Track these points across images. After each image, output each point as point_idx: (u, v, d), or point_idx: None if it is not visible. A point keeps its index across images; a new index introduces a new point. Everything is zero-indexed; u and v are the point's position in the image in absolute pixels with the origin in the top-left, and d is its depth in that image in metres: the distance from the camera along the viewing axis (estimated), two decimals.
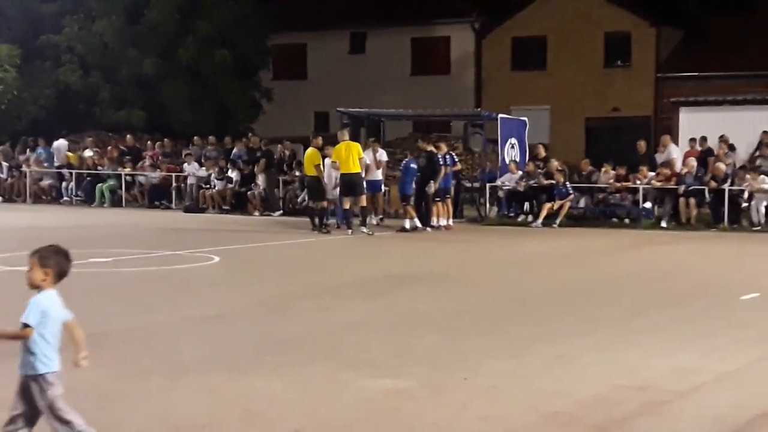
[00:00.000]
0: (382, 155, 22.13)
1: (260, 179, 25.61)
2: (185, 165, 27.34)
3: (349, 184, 19.73)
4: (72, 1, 34.72)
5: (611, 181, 22.71)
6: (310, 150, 20.90)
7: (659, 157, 23.38)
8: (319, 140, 21.32)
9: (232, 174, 26.17)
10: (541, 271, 14.27)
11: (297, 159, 26.19)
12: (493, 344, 8.48)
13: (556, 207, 21.93)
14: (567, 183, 22.34)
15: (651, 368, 7.58)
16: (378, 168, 21.70)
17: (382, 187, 22.49)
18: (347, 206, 19.94)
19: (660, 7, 36.41)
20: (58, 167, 29.73)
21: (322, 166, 20.46)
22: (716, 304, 10.99)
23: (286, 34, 39.16)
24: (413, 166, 20.72)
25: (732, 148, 24.32)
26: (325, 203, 20.56)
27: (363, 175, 20.22)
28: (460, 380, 7.10)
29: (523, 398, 6.67)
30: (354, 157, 19.69)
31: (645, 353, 8.14)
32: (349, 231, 19.57)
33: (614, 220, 22.54)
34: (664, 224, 21.37)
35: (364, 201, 20.00)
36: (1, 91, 33.17)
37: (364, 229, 19.51)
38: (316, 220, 20.27)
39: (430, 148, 21.00)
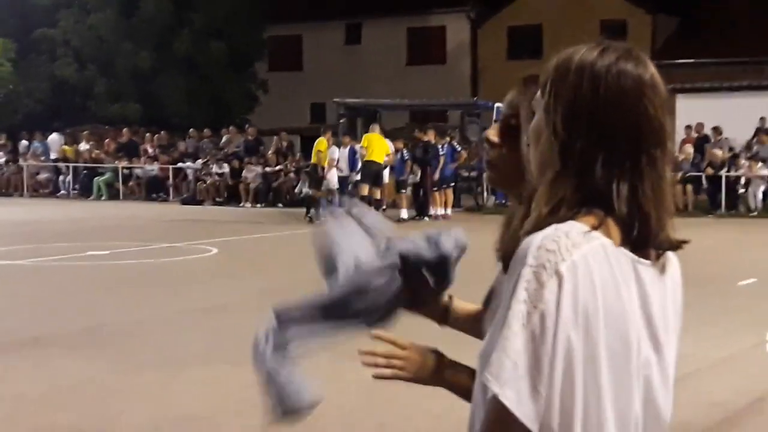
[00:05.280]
0: (390, 146, 22.33)
1: (253, 170, 25.58)
2: (181, 163, 27.33)
3: (372, 172, 19.85)
4: None
5: None
6: (320, 138, 21.04)
7: None
8: (329, 135, 21.32)
9: (226, 166, 26.17)
10: None
11: (293, 150, 26.19)
12: None
13: None
14: None
15: None
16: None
17: (385, 177, 22.61)
18: (364, 193, 19.95)
19: None
20: (55, 161, 29.73)
21: (324, 155, 20.59)
22: (713, 291, 10.96)
23: (282, 26, 39.11)
24: (406, 156, 20.96)
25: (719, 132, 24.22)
26: (319, 193, 20.64)
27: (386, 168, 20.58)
28: None
29: None
30: (381, 148, 19.89)
31: None
32: None
33: None
34: None
35: (377, 193, 20.05)
36: None
37: None
38: (312, 210, 20.31)
39: (427, 138, 21.07)
